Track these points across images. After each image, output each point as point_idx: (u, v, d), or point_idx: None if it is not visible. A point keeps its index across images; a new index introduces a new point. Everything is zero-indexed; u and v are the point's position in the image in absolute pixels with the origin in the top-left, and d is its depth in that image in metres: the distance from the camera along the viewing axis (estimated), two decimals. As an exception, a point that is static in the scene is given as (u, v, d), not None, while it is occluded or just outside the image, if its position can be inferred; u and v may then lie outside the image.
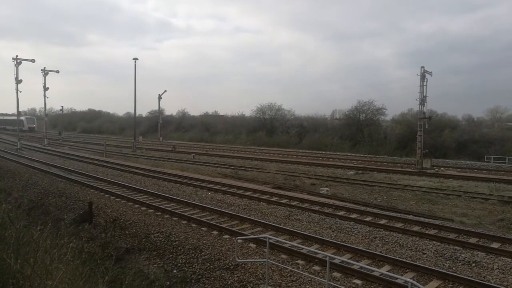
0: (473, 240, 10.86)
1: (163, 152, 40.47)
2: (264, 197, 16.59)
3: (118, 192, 17.18)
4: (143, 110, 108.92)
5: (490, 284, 7.81)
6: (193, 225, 12.46)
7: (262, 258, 8.92)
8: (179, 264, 9.75)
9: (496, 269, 8.86)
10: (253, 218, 12.93)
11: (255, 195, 16.94)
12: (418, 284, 5.99)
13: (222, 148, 47.75)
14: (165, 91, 64.82)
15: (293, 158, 36.18)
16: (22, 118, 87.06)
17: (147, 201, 15.62)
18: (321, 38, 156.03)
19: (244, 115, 69.86)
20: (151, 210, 14.36)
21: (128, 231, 12.27)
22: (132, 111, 48.66)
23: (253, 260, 9.27)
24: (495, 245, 10.44)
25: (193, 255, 10.05)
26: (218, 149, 46.60)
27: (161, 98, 64.39)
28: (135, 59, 41.24)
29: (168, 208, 14.29)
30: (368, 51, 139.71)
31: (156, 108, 68.74)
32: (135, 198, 16.08)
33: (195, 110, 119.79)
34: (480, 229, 12.17)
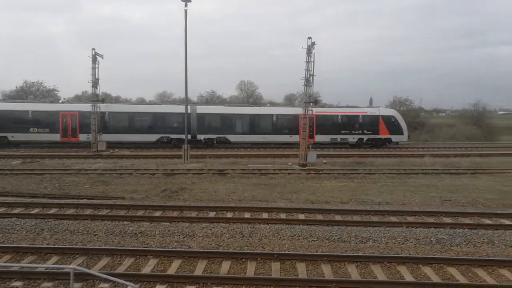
0: (140, 213, 11.87)
1: None
2: None
3: None
4: None
5: (152, 248, 8.79)
6: None
7: None
8: None
9: (158, 234, 10.07)
10: None
11: None
12: (80, 268, 5.94)
13: None
14: None
15: None
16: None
17: None
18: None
19: None
20: None
21: None
22: None
23: None
24: (158, 213, 11.83)
25: None
26: None
27: None
28: None
29: None
30: (44, 25, 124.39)
31: None
32: None
33: None
34: (147, 202, 13.51)
